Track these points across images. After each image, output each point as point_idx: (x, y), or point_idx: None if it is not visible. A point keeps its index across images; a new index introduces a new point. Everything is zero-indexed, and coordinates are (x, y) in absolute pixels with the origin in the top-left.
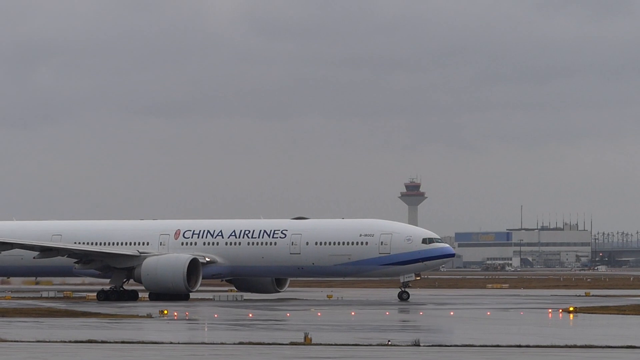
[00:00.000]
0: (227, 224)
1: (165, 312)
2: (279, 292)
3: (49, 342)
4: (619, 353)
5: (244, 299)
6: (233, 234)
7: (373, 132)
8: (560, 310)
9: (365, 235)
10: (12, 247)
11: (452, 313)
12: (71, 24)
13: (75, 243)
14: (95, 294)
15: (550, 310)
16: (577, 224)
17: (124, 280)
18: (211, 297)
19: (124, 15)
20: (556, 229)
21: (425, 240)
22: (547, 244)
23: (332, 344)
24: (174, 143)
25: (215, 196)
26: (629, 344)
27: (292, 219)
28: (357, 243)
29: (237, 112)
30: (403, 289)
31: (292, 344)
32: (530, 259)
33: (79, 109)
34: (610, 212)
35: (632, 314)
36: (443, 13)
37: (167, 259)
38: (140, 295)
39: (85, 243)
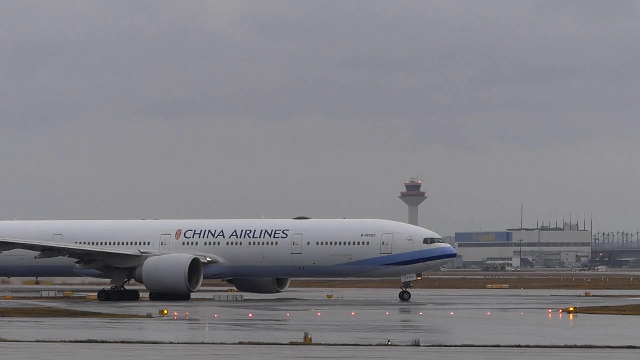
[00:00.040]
0: (228, 224)
1: (165, 312)
2: (280, 292)
3: (49, 342)
4: (619, 353)
5: (244, 299)
6: (234, 233)
7: (373, 132)
8: (560, 310)
9: (367, 235)
10: (13, 246)
11: (452, 313)
12: (71, 24)
13: (76, 243)
14: (95, 293)
15: (550, 310)
16: (577, 224)
17: (125, 280)
18: (211, 297)
19: (124, 15)
20: (556, 229)
21: (426, 240)
22: (547, 244)
23: (332, 344)
24: (174, 143)
25: (215, 196)
26: (629, 344)
27: (293, 218)
28: (359, 243)
29: (237, 112)
30: (404, 289)
31: (292, 344)
32: (530, 259)
33: (79, 109)
34: (610, 212)
35: (632, 314)
36: (443, 13)
37: (168, 258)
38: (141, 295)
39: (86, 243)
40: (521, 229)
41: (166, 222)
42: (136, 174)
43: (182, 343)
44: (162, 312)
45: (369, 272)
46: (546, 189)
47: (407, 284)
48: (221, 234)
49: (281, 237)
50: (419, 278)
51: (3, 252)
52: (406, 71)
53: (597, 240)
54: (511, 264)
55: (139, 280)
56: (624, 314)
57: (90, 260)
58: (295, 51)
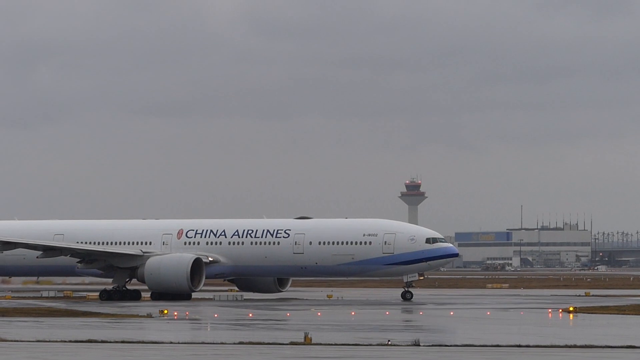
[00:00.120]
0: (230, 224)
1: (165, 311)
2: (281, 291)
3: (49, 341)
4: (619, 353)
5: (244, 299)
6: (236, 233)
7: (373, 132)
8: (560, 310)
9: (369, 235)
10: (15, 246)
11: (452, 313)
12: (71, 24)
13: (77, 243)
14: (95, 293)
15: (550, 310)
16: (577, 224)
17: (127, 279)
18: (211, 297)
19: (124, 15)
20: (556, 229)
21: (429, 240)
22: (547, 244)
23: (332, 344)
24: (174, 143)
25: (215, 196)
26: (629, 344)
27: (295, 218)
28: (361, 243)
29: (237, 112)
30: (406, 289)
31: (292, 343)
32: (530, 258)
33: (79, 109)
34: (610, 212)
35: (632, 314)
36: (443, 13)
37: (171, 258)
38: (143, 295)
39: (87, 243)
40: (521, 229)
41: (168, 222)
42: (136, 174)
43: (182, 343)
44: (162, 312)
45: (371, 272)
46: (546, 189)
47: (409, 284)
48: (223, 233)
49: (283, 237)
50: (422, 278)
51: (5, 252)
52: (406, 71)
53: (597, 240)
54: (511, 264)
55: (141, 280)
56: (624, 314)
57: (92, 260)
58: (295, 51)
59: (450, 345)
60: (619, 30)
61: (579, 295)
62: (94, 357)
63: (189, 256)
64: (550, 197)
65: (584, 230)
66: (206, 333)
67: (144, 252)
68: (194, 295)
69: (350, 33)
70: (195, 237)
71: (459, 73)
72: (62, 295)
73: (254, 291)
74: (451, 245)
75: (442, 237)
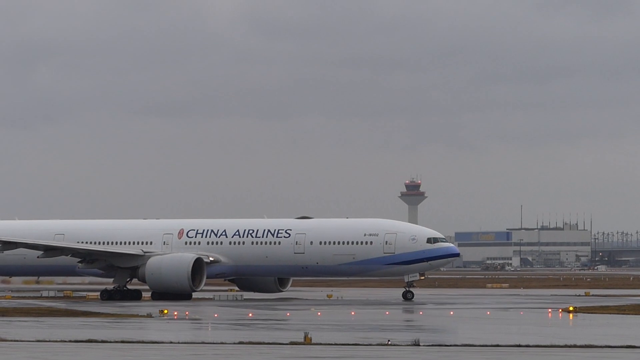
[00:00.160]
0: (230, 224)
1: (165, 311)
2: (282, 291)
3: (49, 341)
4: (619, 353)
5: (245, 299)
6: (237, 233)
7: (373, 132)
8: (560, 310)
9: (370, 234)
10: (16, 246)
11: (452, 313)
12: (71, 24)
13: (77, 242)
14: (95, 293)
15: (550, 310)
16: (577, 224)
17: (128, 279)
18: (211, 297)
19: (124, 15)
20: (556, 228)
21: (430, 240)
22: (547, 244)
23: (332, 344)
24: (174, 143)
25: (215, 196)
26: (629, 344)
27: (295, 218)
28: (362, 242)
29: (237, 112)
30: (407, 289)
31: (292, 343)
32: (530, 258)
33: (79, 109)
34: (610, 212)
35: (632, 314)
36: (443, 13)
37: (172, 258)
38: (144, 294)
39: (88, 242)
40: (521, 229)
41: (168, 221)
42: (136, 174)
43: (182, 343)
44: (162, 311)
45: (372, 272)
46: (546, 189)
47: (410, 284)
48: (224, 233)
49: (284, 236)
50: (422, 277)
51: (5, 252)
52: (406, 71)
53: (597, 240)
54: (511, 264)
55: (142, 280)
56: (624, 314)
57: (93, 260)
58: (295, 51)
59: (450, 345)
60: (619, 30)
61: (579, 295)
62: (94, 357)
63: (190, 256)
64: (550, 197)
65: (584, 230)
66: (206, 333)
67: (144, 252)
68: (193, 295)
69: (350, 33)
70: (196, 237)
71: (459, 73)
72: (62, 295)
73: (254, 291)
74: (452, 245)
75: (443, 237)
